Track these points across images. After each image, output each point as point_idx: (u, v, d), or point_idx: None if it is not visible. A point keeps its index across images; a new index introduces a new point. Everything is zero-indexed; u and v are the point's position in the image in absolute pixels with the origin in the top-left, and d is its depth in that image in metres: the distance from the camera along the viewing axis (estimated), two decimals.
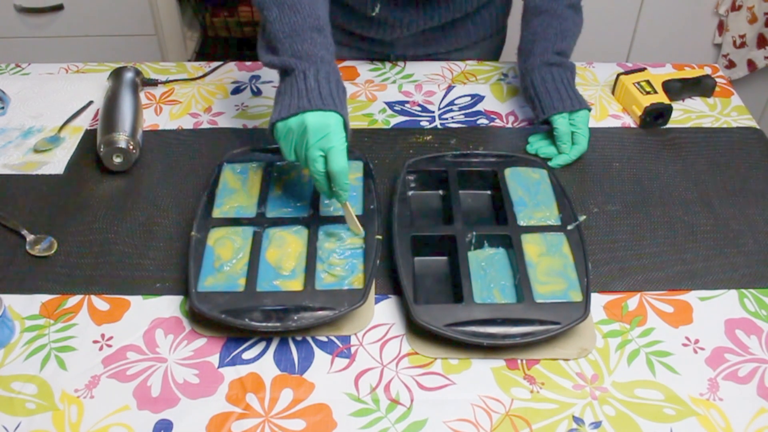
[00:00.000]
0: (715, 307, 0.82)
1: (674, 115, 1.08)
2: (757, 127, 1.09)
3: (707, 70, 1.20)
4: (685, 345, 0.78)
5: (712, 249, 0.89)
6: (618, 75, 1.13)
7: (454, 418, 0.71)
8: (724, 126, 1.09)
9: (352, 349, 0.78)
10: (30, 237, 0.89)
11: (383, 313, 0.81)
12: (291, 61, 0.83)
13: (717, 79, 1.16)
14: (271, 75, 1.18)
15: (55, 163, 1.01)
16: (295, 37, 0.83)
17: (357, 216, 0.86)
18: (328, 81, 0.82)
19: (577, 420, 0.71)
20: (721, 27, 2.06)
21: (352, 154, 0.95)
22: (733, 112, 1.12)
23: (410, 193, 0.94)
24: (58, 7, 1.89)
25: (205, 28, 2.37)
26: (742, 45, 2.02)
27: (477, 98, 1.13)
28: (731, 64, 2.07)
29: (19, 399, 0.73)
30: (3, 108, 1.11)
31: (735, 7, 1.99)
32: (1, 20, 1.90)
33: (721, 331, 0.80)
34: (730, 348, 0.78)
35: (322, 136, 0.78)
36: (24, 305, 0.82)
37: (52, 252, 0.87)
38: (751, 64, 2.03)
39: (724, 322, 0.81)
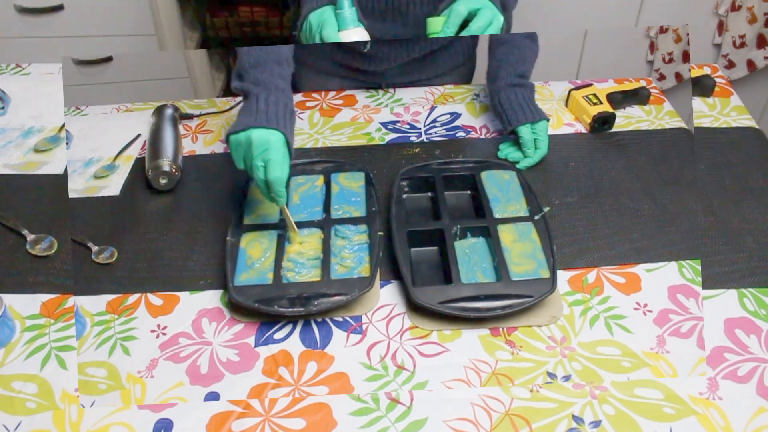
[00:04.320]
0: (714, 303, 0.75)
1: (618, 121, 1.08)
2: (757, 127, 0.98)
3: (707, 70, 1.07)
4: (636, 309, 0.78)
5: (711, 248, 0.81)
6: (569, 90, 1.13)
7: (453, 417, 0.66)
8: (724, 126, 0.98)
9: (364, 326, 0.78)
10: (30, 236, 0.82)
11: (387, 295, 0.81)
12: (250, 87, 0.84)
13: (716, 79, 1.03)
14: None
15: (112, 186, 1.00)
16: (258, 68, 0.85)
17: (360, 217, 0.87)
18: (276, 105, 0.82)
19: (577, 419, 0.65)
20: (721, 27, 1.80)
21: (355, 167, 0.96)
22: (732, 112, 1.00)
23: (404, 196, 0.94)
24: (58, 7, 1.64)
25: (205, 28, 2.06)
26: (742, 45, 1.76)
27: (455, 115, 1.13)
28: (731, 64, 1.82)
29: (19, 398, 0.67)
30: (3, 108, 1.00)
31: (735, 7, 1.74)
32: (1, 20, 1.65)
33: (665, 297, 0.77)
34: (730, 347, 0.71)
35: (264, 150, 0.78)
36: (24, 305, 0.77)
37: (53, 252, 0.80)
38: (750, 64, 1.78)
39: (724, 322, 0.72)
